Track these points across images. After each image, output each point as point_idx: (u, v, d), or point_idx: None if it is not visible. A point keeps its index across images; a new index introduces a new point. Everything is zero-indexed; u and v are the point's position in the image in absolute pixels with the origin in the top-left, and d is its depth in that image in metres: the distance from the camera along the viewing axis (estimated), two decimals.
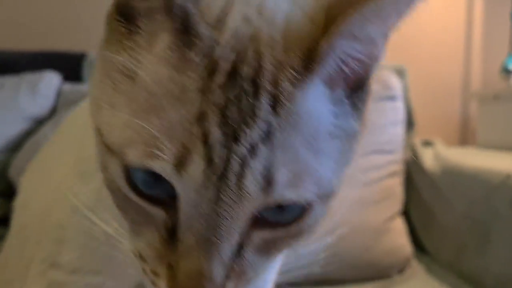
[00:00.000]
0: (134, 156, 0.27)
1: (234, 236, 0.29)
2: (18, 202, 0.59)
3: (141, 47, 0.28)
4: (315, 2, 0.29)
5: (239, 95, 0.27)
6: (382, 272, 1.12)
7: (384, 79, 1.35)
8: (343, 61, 0.30)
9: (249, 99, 0.28)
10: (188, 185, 0.27)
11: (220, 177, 0.27)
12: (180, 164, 0.27)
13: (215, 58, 0.28)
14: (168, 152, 0.26)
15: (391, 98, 1.34)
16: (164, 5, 0.28)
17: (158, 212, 0.29)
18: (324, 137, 0.30)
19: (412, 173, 1.35)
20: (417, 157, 1.35)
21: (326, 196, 0.31)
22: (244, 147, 0.27)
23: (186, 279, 0.27)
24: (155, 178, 0.28)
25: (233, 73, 0.27)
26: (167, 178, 0.28)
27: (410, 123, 1.45)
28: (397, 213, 1.23)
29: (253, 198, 0.28)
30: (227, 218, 0.28)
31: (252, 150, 0.27)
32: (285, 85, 0.28)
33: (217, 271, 0.28)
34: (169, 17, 0.28)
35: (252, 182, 0.28)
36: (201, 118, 0.27)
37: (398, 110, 1.34)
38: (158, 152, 0.27)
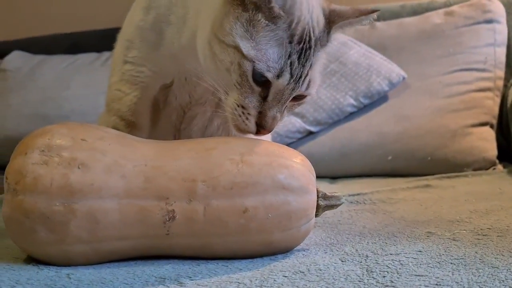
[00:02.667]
0: (261, 68, 0.60)
1: (288, 102, 0.64)
2: None
3: None
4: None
5: (303, 48, 0.62)
6: (455, 169, 1.22)
7: (483, 3, 1.42)
8: None
9: (308, 52, 0.62)
10: (280, 82, 0.61)
11: (295, 80, 0.62)
12: (278, 76, 0.61)
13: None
14: (274, 70, 0.60)
15: (488, 21, 1.40)
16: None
17: (259, 89, 0.62)
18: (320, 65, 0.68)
19: None
20: None
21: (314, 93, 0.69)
22: (306, 69, 0.63)
23: (268, 118, 0.63)
24: (265, 77, 0.60)
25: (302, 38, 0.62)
26: (271, 81, 0.61)
27: None
28: (485, 123, 1.30)
29: (301, 90, 0.64)
30: (289, 95, 0.63)
31: (307, 73, 0.63)
32: (317, 47, 0.64)
33: (278, 116, 0.64)
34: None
35: (303, 85, 0.63)
36: (290, 55, 0.61)
37: (497, 32, 1.39)
38: (270, 71, 0.60)
